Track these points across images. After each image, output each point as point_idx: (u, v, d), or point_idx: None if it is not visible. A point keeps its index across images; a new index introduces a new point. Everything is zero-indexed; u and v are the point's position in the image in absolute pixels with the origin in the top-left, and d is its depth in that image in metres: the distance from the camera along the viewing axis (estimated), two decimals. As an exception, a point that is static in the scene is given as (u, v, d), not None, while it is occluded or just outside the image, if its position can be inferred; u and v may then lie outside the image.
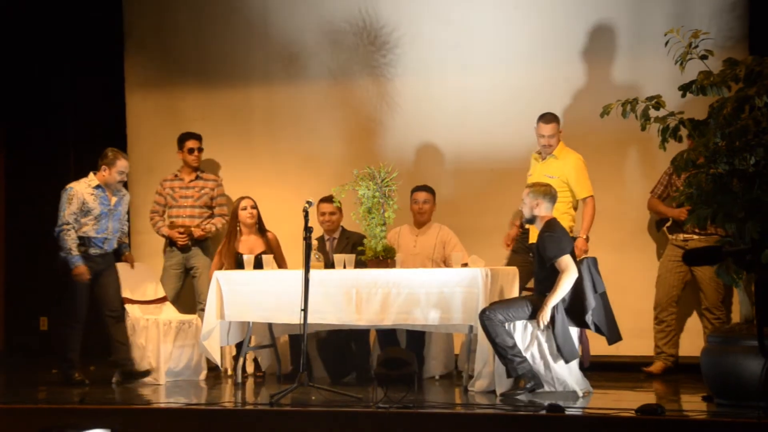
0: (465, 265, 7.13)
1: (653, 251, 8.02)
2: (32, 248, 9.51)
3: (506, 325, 6.40)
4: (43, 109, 9.50)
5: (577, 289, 6.47)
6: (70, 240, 7.24)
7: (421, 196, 7.83)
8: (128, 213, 7.74)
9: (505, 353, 6.36)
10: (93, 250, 7.37)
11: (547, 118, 7.53)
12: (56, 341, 7.34)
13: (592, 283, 6.50)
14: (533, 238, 7.49)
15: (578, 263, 6.54)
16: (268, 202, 8.33)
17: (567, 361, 6.42)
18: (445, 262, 7.70)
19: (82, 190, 7.35)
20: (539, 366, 6.46)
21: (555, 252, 6.48)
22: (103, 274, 7.41)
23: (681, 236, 7.62)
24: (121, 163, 7.40)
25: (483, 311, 6.43)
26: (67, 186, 7.42)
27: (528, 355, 6.44)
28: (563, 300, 6.46)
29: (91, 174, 7.46)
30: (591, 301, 6.46)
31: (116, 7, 9.30)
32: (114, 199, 7.44)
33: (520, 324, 6.48)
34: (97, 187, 7.38)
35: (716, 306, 7.48)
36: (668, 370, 7.58)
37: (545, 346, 6.47)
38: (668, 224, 7.76)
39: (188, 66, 9.16)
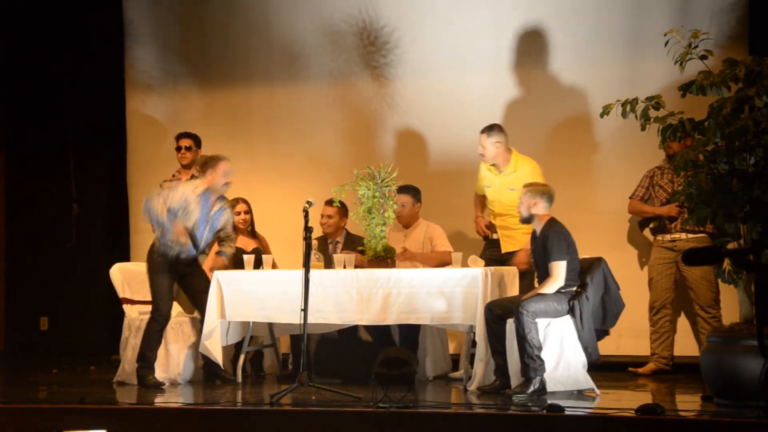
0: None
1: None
2: (32, 248, 9.54)
3: (537, 322, 6.41)
4: (43, 110, 9.51)
5: (608, 290, 6.64)
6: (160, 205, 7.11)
7: (400, 199, 7.58)
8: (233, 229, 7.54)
9: (531, 352, 6.34)
10: (184, 255, 7.24)
11: (486, 129, 7.47)
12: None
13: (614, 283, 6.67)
14: (507, 247, 7.49)
15: (599, 262, 6.64)
16: (268, 202, 8.33)
17: (593, 359, 6.51)
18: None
19: (188, 190, 7.22)
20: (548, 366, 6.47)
21: (555, 255, 6.53)
22: (191, 276, 7.35)
23: (668, 237, 7.61)
24: (224, 165, 7.22)
25: (520, 304, 6.40)
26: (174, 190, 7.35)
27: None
28: (587, 299, 6.52)
29: (197, 180, 7.32)
30: (620, 300, 6.69)
31: (116, 7, 9.30)
32: (216, 208, 7.28)
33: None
34: (203, 193, 7.22)
35: (710, 305, 7.47)
36: (662, 372, 7.57)
37: (561, 346, 6.50)
38: (652, 225, 7.75)
39: (188, 66, 9.16)
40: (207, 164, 7.28)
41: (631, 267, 8.04)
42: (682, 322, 7.88)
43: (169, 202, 7.15)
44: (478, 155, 7.58)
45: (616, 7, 8.19)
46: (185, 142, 8.41)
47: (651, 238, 7.80)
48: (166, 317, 7.21)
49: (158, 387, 7.07)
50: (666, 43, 6.19)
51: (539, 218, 6.68)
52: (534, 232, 6.76)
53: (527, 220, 6.73)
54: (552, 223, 6.65)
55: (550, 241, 6.57)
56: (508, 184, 7.46)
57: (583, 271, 6.65)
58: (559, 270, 6.53)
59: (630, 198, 7.81)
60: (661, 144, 6.37)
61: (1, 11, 9.34)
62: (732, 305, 6.90)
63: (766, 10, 7.78)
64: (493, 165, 7.57)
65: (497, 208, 7.56)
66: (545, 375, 6.39)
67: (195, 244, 7.23)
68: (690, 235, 7.51)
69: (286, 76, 8.94)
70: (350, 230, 7.93)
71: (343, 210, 7.79)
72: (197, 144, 8.45)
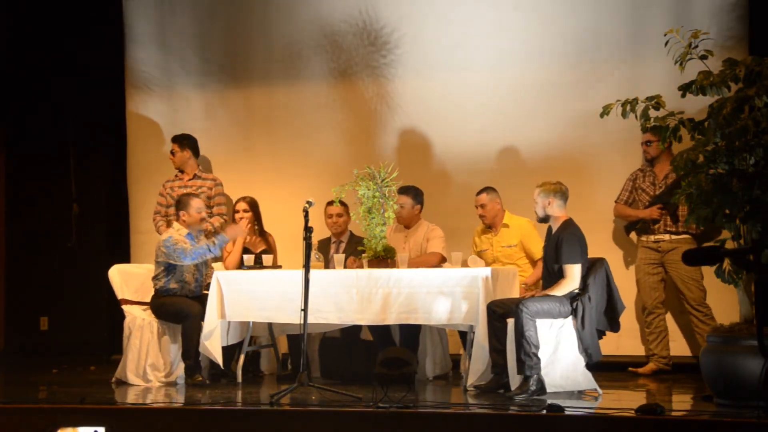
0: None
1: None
2: (32, 248, 9.54)
3: (536, 321, 6.41)
4: (43, 109, 9.51)
5: (610, 292, 6.65)
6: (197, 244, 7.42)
7: (399, 200, 7.62)
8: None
9: (528, 349, 6.35)
10: (189, 292, 7.48)
11: (485, 189, 7.64)
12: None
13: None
14: None
15: (601, 263, 6.66)
16: (268, 202, 8.32)
17: (593, 360, 6.54)
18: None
19: (177, 237, 7.42)
20: (550, 365, 6.46)
21: (569, 258, 6.56)
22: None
23: (652, 238, 7.63)
24: (195, 202, 7.51)
25: (521, 302, 6.43)
26: (165, 237, 7.46)
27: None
28: (589, 299, 6.53)
29: (175, 224, 7.55)
30: (620, 301, 6.67)
31: (116, 7, 9.30)
32: (202, 242, 7.55)
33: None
34: (188, 235, 7.46)
35: (701, 303, 7.49)
36: (662, 372, 7.57)
37: (562, 346, 6.50)
38: (639, 226, 7.76)
39: (188, 66, 9.16)
40: (179, 206, 7.57)
41: (632, 267, 8.03)
42: (679, 323, 7.87)
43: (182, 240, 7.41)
44: (479, 217, 7.67)
45: (616, 7, 8.18)
46: (172, 147, 8.48)
47: (637, 239, 7.81)
48: (189, 318, 7.24)
49: (203, 384, 7.12)
50: (666, 43, 6.20)
51: (555, 219, 6.72)
52: (549, 229, 6.80)
53: (544, 219, 6.77)
54: (567, 225, 6.68)
55: (563, 243, 6.60)
56: (504, 241, 7.61)
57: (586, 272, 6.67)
58: (575, 273, 6.56)
59: (615, 202, 7.84)
60: (662, 144, 6.39)
61: (2, 11, 9.33)
62: (732, 305, 6.90)
63: (766, 10, 7.78)
64: (489, 227, 7.64)
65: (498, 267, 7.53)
66: (547, 375, 6.39)
67: (187, 288, 7.50)
68: (673, 237, 7.53)
69: (286, 76, 8.93)
70: (353, 231, 7.93)
71: (347, 208, 7.80)
72: (182, 146, 8.45)
